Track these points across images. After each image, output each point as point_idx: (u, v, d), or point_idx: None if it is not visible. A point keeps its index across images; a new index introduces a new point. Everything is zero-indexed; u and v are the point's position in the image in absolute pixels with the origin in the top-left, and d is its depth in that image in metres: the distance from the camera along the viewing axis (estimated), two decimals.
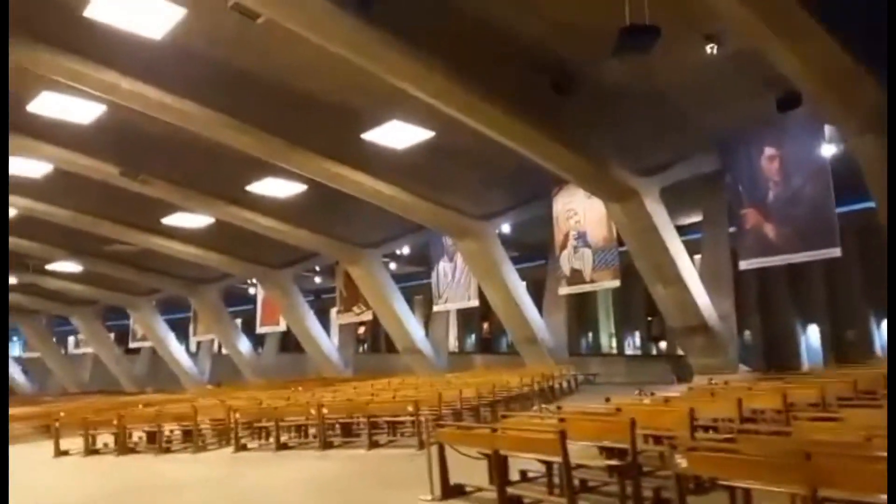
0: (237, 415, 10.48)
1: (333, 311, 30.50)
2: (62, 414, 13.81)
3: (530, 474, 6.07)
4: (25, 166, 15.74)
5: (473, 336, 32.07)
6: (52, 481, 9.44)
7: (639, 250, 14.88)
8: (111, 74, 11.17)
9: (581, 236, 17.00)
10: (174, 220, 19.51)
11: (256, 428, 10.96)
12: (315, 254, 23.47)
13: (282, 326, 26.92)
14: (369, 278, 21.75)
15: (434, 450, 6.03)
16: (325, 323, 28.07)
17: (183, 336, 33.15)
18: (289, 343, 32.38)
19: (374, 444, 9.42)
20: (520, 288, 18.65)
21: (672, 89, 11.73)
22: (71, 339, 41.38)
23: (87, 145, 14.47)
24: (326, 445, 9.74)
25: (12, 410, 17.78)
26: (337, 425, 10.54)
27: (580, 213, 17.11)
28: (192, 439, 11.06)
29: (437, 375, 20.79)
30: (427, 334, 23.07)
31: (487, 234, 18.07)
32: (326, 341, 26.15)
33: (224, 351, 34.32)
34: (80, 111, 12.72)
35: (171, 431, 11.84)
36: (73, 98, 12.05)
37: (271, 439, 10.60)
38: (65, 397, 29.15)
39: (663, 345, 25.19)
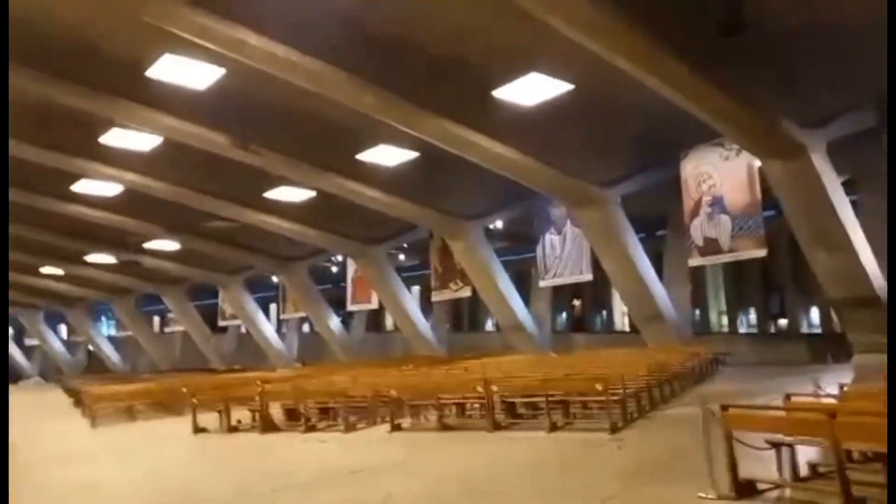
0: (393, 392, 9.69)
1: (415, 288, 29.92)
2: (184, 390, 13.58)
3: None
4: (135, 139, 15.44)
5: (564, 314, 30.87)
6: (230, 464, 8.70)
7: (800, 214, 13.33)
8: (240, 30, 10.55)
9: (717, 202, 15.50)
10: (276, 193, 19.07)
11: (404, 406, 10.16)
12: (409, 228, 22.68)
13: (373, 304, 26.34)
14: (471, 252, 20.82)
15: (711, 435, 4.97)
16: None
17: (267, 315, 33.24)
18: (371, 322, 32.07)
19: (553, 426, 8.43)
20: (643, 261, 17.29)
21: (846, 29, 10.15)
22: (156, 318, 42.32)
23: (201, 113, 13.99)
24: (495, 426, 8.84)
25: (130, 387, 17.90)
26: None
27: (715, 176, 15.61)
28: (330, 418, 10.43)
29: (542, 354, 19.79)
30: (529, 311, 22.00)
31: (609, 202, 16.79)
32: (421, 319, 25.42)
33: (305, 329, 34.33)
34: (199, 76, 12.16)
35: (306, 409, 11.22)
36: (193, 61, 11.51)
37: (422, 419, 9.81)
38: (161, 375, 29.63)
39: (782, 322, 23.43)
